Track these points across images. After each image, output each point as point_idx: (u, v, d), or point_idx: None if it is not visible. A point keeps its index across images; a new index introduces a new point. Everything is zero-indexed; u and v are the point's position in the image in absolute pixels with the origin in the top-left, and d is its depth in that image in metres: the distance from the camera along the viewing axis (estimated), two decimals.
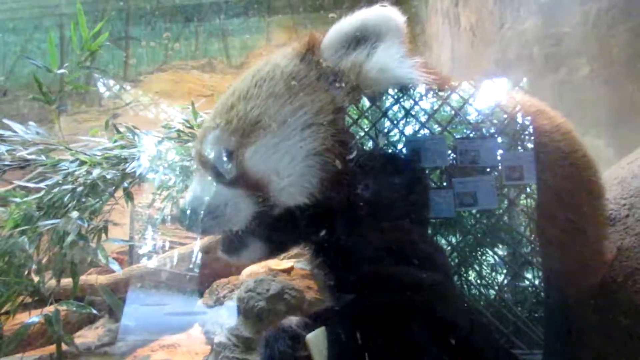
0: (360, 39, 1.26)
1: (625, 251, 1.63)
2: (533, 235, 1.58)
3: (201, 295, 4.15)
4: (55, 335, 1.94)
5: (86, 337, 5.02)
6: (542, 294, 1.60)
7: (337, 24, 1.30)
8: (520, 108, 1.51)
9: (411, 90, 1.27)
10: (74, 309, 1.96)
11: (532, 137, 1.48)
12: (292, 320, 1.35)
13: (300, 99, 1.20)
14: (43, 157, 2.78)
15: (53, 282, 2.22)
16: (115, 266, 2.08)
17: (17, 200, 2.47)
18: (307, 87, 1.22)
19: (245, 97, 1.24)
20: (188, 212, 1.27)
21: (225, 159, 1.23)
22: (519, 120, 1.49)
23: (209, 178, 1.28)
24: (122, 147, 2.89)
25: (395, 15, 1.28)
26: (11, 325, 2.15)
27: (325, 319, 1.30)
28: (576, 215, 1.52)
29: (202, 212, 1.24)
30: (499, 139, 1.50)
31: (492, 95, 1.50)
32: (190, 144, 2.96)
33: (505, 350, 1.47)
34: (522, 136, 1.49)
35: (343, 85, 1.24)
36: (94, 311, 1.98)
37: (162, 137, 2.93)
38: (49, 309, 2.05)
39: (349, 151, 1.18)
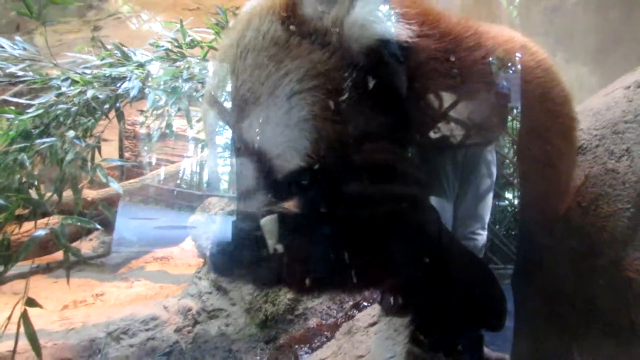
0: None
1: (592, 178, 1.74)
2: (515, 158, 1.68)
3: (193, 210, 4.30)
4: (62, 247, 2.05)
5: (81, 248, 5.24)
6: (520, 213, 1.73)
7: None
8: (506, 43, 1.54)
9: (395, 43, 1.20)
10: (78, 223, 2.06)
11: (516, 72, 1.52)
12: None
13: (283, 68, 1.17)
14: (31, 74, 2.76)
15: (52, 196, 2.30)
16: (114, 185, 2.16)
17: (11, 116, 2.49)
18: (290, 54, 1.19)
19: (234, 71, 1.23)
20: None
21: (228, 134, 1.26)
22: (504, 54, 1.52)
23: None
24: (111, 64, 2.86)
25: None
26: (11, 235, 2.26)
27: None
28: (550, 147, 1.62)
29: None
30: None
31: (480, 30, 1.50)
32: (179, 64, 2.95)
33: (479, 261, 1.62)
34: (507, 70, 1.54)
35: (325, 46, 1.19)
36: (97, 226, 2.08)
37: (151, 56, 2.91)
38: (53, 222, 2.15)
39: (339, 109, 1.18)
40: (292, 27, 1.21)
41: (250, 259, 1.37)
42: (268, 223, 1.35)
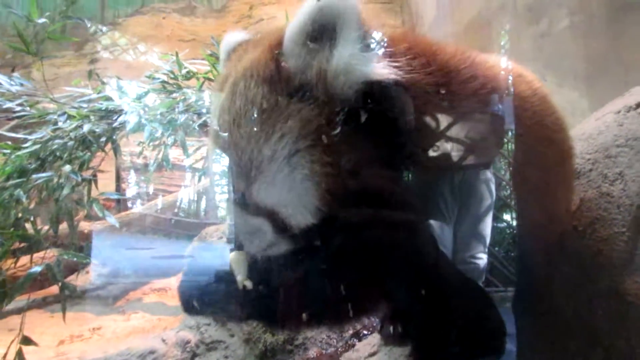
0: (318, 33, 1.15)
1: (587, 202, 1.75)
2: (512, 180, 1.68)
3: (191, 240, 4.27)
4: (57, 282, 2.04)
5: (77, 280, 5.16)
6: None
7: (290, 23, 1.19)
8: (502, 73, 1.55)
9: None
10: (74, 259, 2.05)
11: (512, 101, 1.53)
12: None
13: (278, 131, 1.17)
14: (28, 109, 2.78)
15: (48, 230, 2.29)
16: (111, 219, 2.16)
17: (7, 151, 2.50)
18: (281, 116, 1.18)
19: (231, 141, 1.24)
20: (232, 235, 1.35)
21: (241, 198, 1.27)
22: (501, 84, 1.52)
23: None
24: (107, 98, 2.89)
25: None
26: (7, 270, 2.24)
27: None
28: (547, 174, 1.63)
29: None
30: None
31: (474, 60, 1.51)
32: (175, 95, 2.98)
33: (478, 287, 1.60)
34: (503, 99, 1.55)
35: (315, 101, 1.18)
36: (94, 262, 2.07)
37: (147, 88, 2.94)
38: (49, 256, 2.14)
39: (338, 161, 1.19)
40: (277, 87, 1.19)
41: (219, 296, 1.38)
42: (236, 258, 1.34)
